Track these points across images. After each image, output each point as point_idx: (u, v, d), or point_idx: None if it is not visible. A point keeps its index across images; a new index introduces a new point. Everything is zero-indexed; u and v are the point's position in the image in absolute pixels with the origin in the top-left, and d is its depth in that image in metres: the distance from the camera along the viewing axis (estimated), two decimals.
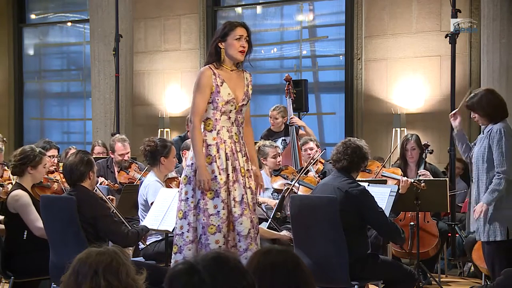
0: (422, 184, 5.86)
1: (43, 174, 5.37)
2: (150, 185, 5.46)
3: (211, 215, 4.26)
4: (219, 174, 4.30)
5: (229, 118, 4.39)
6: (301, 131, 7.64)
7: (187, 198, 4.34)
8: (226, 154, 4.34)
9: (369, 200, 4.65)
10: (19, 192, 5.08)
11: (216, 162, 4.31)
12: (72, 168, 4.73)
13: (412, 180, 5.91)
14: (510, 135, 5.03)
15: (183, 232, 4.33)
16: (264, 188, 6.30)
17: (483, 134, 5.14)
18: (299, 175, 6.26)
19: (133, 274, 2.30)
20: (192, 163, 4.35)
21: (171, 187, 5.52)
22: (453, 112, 5.50)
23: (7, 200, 5.11)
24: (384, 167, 6.50)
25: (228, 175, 4.32)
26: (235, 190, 4.32)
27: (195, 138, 4.32)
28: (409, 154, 6.66)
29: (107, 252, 2.29)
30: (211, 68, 4.40)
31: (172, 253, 4.43)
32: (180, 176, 5.16)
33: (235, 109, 4.40)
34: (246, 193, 4.36)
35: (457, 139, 5.39)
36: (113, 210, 5.12)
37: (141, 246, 5.38)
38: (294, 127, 7.49)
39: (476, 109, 5.13)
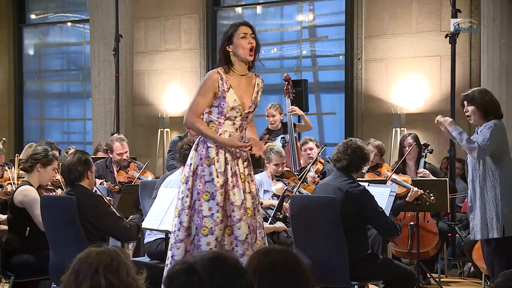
0: (432, 198, 5.85)
1: (50, 177, 5.37)
2: (174, 180, 5.48)
3: (205, 216, 4.24)
4: (217, 177, 4.27)
5: (234, 124, 4.34)
6: (299, 124, 7.63)
7: (182, 197, 4.33)
8: (225, 158, 4.30)
9: (369, 200, 4.66)
10: (28, 187, 5.09)
11: (214, 164, 4.28)
12: (70, 168, 4.74)
13: (422, 192, 5.89)
14: (501, 130, 5.07)
15: (175, 230, 4.33)
16: (265, 189, 6.32)
17: (477, 134, 5.15)
18: (300, 182, 6.20)
19: (133, 274, 2.30)
20: (190, 163, 4.33)
21: None
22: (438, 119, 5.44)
23: (14, 195, 5.11)
24: (395, 173, 6.46)
25: (227, 179, 4.29)
26: (235, 194, 4.28)
27: (198, 125, 4.28)
28: (407, 150, 6.66)
29: (107, 251, 2.29)
30: (219, 72, 4.33)
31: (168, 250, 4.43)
32: None
33: (240, 115, 4.34)
34: (246, 198, 4.34)
35: (455, 137, 5.31)
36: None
37: (146, 240, 5.41)
38: (292, 125, 7.46)
39: (474, 101, 5.12)
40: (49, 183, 5.48)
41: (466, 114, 5.21)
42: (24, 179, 5.35)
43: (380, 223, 4.70)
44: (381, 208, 4.73)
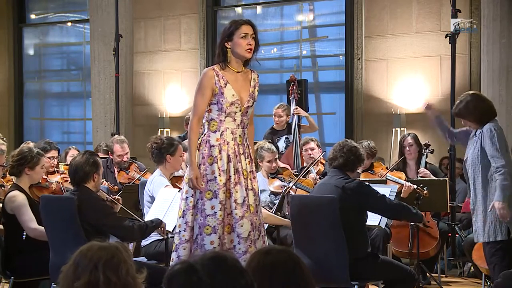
0: (425, 192, 5.85)
1: (40, 175, 5.34)
2: (154, 180, 5.48)
3: (207, 215, 4.25)
4: (219, 175, 4.29)
5: (234, 120, 4.36)
6: (304, 125, 7.66)
7: (187, 197, 4.34)
8: (228, 156, 4.32)
9: (367, 189, 4.68)
10: (15, 193, 5.06)
11: (217, 163, 4.30)
12: (76, 168, 4.70)
13: (415, 186, 5.89)
14: (501, 131, 5.07)
15: (180, 231, 4.34)
16: (261, 189, 6.31)
17: (475, 136, 5.15)
18: (297, 178, 6.23)
19: (133, 272, 2.28)
20: None
21: (178, 186, 5.51)
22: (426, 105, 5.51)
23: (4, 201, 5.10)
24: (390, 171, 6.47)
25: (230, 177, 4.30)
26: (237, 192, 4.30)
27: (190, 139, 4.35)
28: (407, 150, 6.65)
29: (109, 247, 2.27)
30: (215, 69, 4.36)
31: (172, 251, 4.44)
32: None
33: (240, 111, 4.37)
34: (248, 195, 4.35)
35: (437, 126, 5.39)
36: (120, 208, 5.09)
37: (142, 243, 5.40)
38: (296, 126, 7.49)
39: (465, 116, 5.14)
40: (41, 180, 5.46)
41: (467, 126, 5.26)
42: (14, 181, 5.32)
43: (386, 207, 4.70)
44: (381, 193, 4.72)
